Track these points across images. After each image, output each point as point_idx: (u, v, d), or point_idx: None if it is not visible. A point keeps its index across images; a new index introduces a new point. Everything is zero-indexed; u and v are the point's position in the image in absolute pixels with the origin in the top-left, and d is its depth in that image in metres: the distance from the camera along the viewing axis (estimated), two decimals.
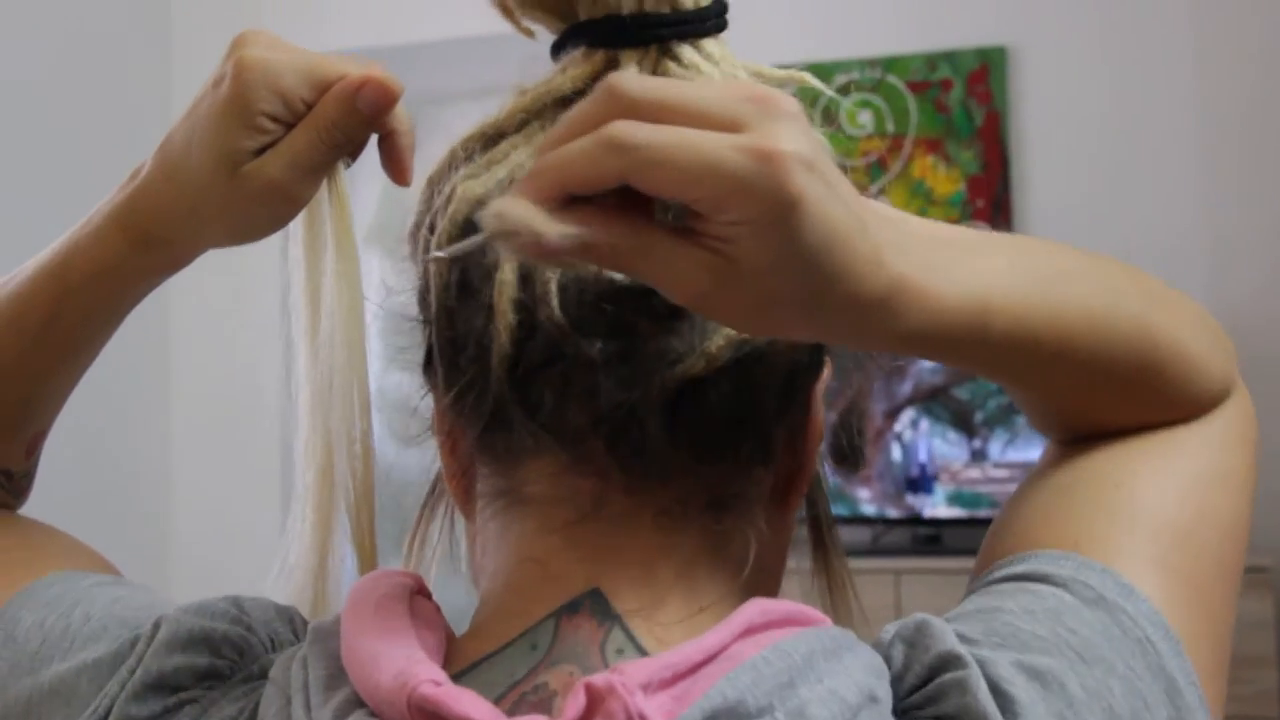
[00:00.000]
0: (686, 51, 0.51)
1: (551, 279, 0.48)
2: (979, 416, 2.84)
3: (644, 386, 0.48)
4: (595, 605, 0.48)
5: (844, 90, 3.07)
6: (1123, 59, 2.96)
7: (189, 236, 0.59)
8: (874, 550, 2.86)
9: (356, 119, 0.55)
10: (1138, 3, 2.95)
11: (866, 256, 0.44)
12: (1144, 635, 0.50)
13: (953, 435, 2.85)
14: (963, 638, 0.48)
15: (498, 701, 0.46)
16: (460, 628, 0.51)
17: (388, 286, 0.57)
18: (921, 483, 2.86)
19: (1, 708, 0.54)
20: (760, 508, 0.52)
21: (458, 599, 0.57)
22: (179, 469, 3.39)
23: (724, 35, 0.52)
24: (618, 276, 0.47)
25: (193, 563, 3.28)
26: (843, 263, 0.43)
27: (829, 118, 2.97)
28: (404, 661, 0.44)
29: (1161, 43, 2.93)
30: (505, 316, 0.48)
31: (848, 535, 2.89)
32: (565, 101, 0.51)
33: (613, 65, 0.51)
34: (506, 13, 0.53)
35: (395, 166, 0.58)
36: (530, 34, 0.54)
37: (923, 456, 2.86)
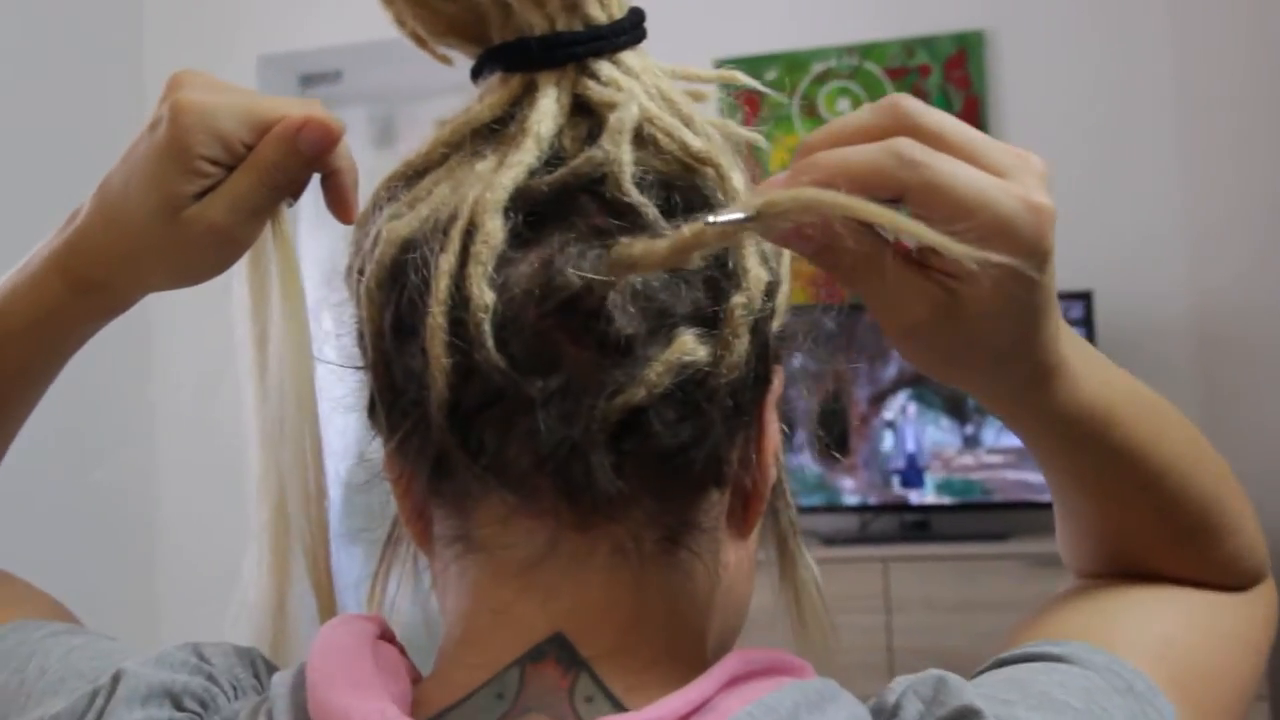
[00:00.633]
0: (605, 68, 0.50)
1: (485, 319, 0.46)
2: (971, 402, 2.84)
3: (585, 420, 0.46)
4: (560, 652, 0.47)
5: (822, 78, 3.06)
6: (1102, 40, 2.96)
7: (129, 280, 0.58)
8: (861, 538, 2.86)
9: (297, 160, 0.55)
10: None
11: (1055, 328, 0.48)
12: None
13: (945, 421, 2.85)
14: (998, 700, 0.48)
15: None
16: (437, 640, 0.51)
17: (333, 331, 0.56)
18: (911, 474, 2.85)
19: None
20: (720, 533, 0.52)
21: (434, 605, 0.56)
22: (166, 486, 3.36)
23: (643, 45, 0.52)
24: (557, 301, 0.46)
25: (180, 577, 3.25)
26: (1044, 326, 0.47)
27: (808, 106, 2.98)
28: (377, 716, 0.44)
29: (1140, 26, 2.93)
30: (439, 361, 0.47)
31: (833, 522, 2.90)
32: (485, 130, 0.50)
33: (531, 88, 0.50)
34: (420, 42, 0.53)
35: (339, 205, 0.58)
36: (448, 61, 0.53)
37: (911, 445, 2.85)
